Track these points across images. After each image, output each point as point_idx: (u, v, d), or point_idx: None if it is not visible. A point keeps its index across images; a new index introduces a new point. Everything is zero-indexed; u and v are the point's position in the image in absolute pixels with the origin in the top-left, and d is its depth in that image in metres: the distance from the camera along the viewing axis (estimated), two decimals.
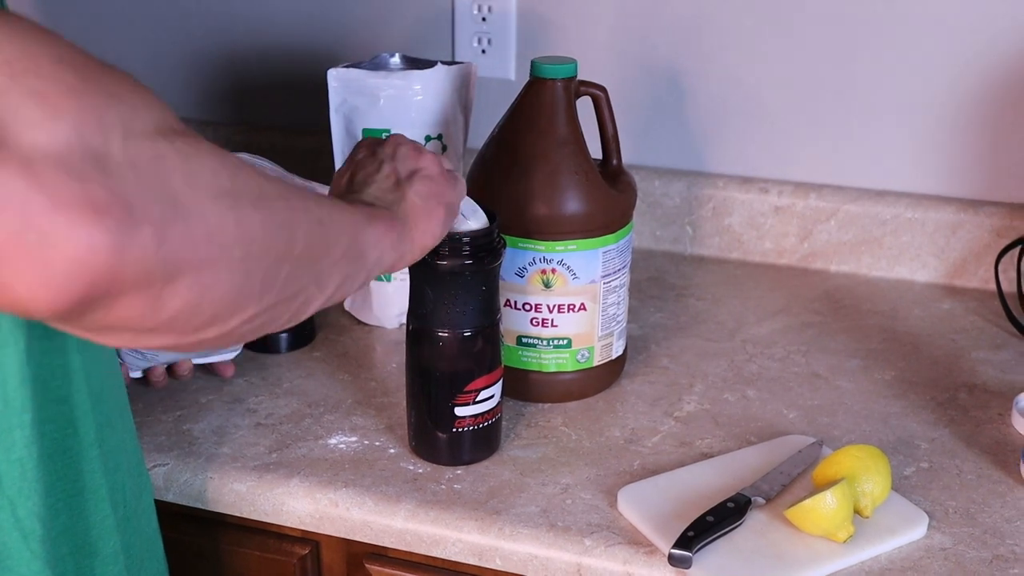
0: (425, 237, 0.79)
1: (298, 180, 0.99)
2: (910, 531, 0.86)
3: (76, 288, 0.49)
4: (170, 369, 1.05)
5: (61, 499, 0.71)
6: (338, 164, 1.18)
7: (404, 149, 0.84)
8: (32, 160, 0.47)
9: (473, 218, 0.90)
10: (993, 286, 1.29)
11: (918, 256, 1.34)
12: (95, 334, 0.55)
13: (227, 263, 0.55)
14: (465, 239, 0.89)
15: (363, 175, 0.82)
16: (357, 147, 0.87)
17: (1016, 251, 1.27)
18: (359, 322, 1.22)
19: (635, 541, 0.86)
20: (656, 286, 1.33)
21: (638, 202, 1.39)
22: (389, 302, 1.19)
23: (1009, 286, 1.28)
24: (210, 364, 1.08)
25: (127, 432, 0.79)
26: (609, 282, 1.03)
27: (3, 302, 0.49)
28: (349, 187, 0.81)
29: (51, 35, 0.50)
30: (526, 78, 1.02)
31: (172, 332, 0.56)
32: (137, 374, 1.04)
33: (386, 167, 0.82)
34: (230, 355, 1.08)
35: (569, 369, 1.04)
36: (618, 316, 1.06)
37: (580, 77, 1.03)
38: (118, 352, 0.99)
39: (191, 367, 1.06)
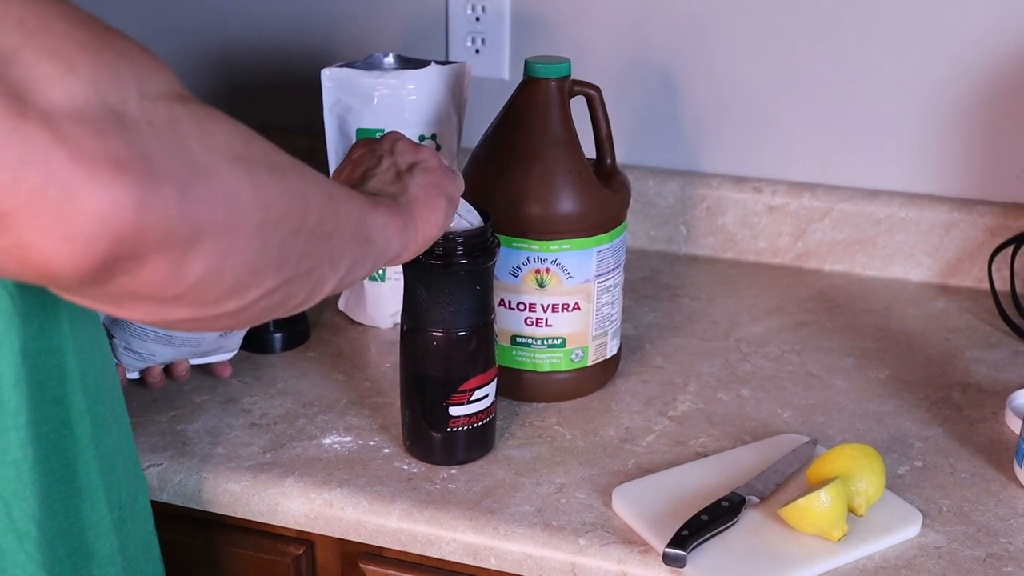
0: (429, 227, 0.79)
1: None
2: (904, 530, 0.86)
3: (100, 246, 0.48)
4: (167, 370, 1.05)
5: (57, 501, 0.70)
6: (332, 164, 1.17)
7: (402, 144, 0.84)
8: (51, 115, 0.47)
9: (469, 218, 0.90)
10: (987, 285, 1.29)
11: (912, 255, 1.35)
12: (118, 304, 0.54)
13: (246, 228, 0.55)
14: (459, 238, 0.89)
15: (362, 171, 0.82)
16: (354, 147, 0.87)
17: (1010, 250, 1.27)
18: (353, 322, 1.22)
19: (630, 540, 0.86)
20: (650, 286, 1.33)
21: (632, 202, 1.40)
22: (383, 302, 1.19)
23: (1003, 285, 1.28)
24: (207, 365, 1.08)
25: (123, 433, 0.79)
26: (603, 281, 1.03)
27: (29, 267, 0.49)
28: (348, 184, 0.81)
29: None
30: (520, 78, 1.02)
31: (194, 302, 0.56)
32: (134, 375, 1.04)
33: (385, 161, 0.82)
34: (227, 356, 1.08)
35: (563, 369, 1.04)
36: (612, 316, 1.06)
37: (574, 77, 1.03)
38: (114, 353, 0.99)
39: (188, 368, 1.05)
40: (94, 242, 0.48)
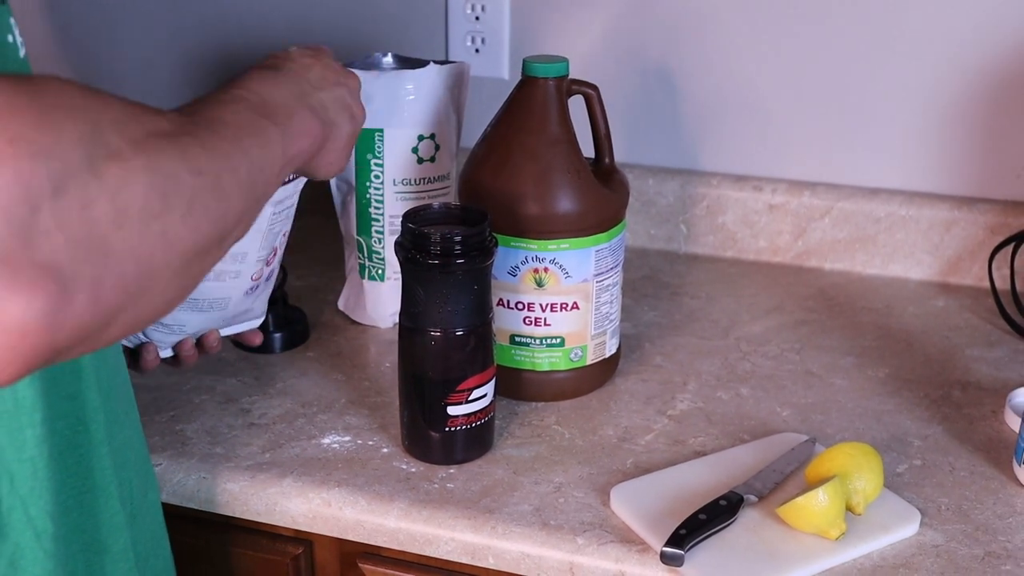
0: (328, 169, 0.81)
1: None
2: (902, 528, 0.86)
3: (15, 366, 0.49)
4: (199, 343, 1.02)
5: (72, 496, 0.71)
6: None
7: (349, 93, 0.84)
8: None
9: None
10: (987, 283, 1.29)
11: (912, 254, 1.34)
12: None
13: (159, 284, 0.55)
14: (457, 238, 0.89)
15: (320, 80, 0.81)
16: (319, 54, 0.85)
17: (1010, 248, 1.27)
18: (353, 322, 1.22)
19: (627, 539, 0.86)
20: (650, 285, 1.33)
21: (632, 201, 1.39)
22: (383, 302, 1.19)
23: (1003, 283, 1.27)
24: (237, 335, 1.06)
25: (134, 428, 0.80)
26: (602, 281, 1.03)
27: None
28: (302, 77, 0.79)
29: None
30: (519, 77, 1.02)
31: (119, 339, 0.57)
32: (167, 353, 1.01)
33: (346, 97, 0.82)
34: (257, 322, 1.06)
35: (562, 368, 1.04)
36: (611, 315, 1.06)
37: (574, 76, 1.03)
38: (144, 332, 0.98)
39: (219, 339, 1.03)
40: (9, 364, 0.49)
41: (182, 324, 0.99)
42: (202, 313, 0.98)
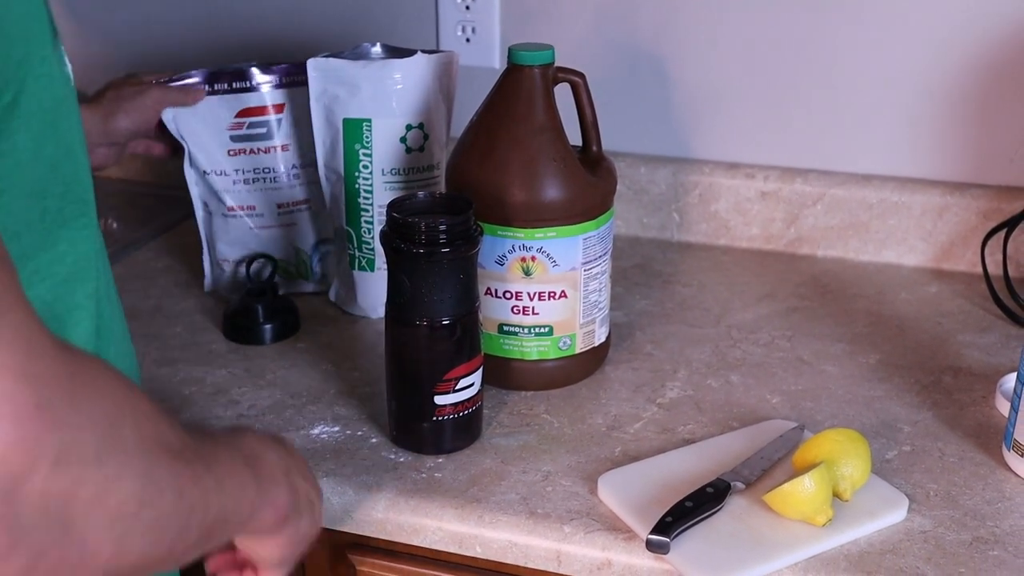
0: (270, 551, 0.75)
1: None
2: (890, 514, 0.86)
3: None
4: None
5: None
6: (320, 155, 1.17)
7: (317, 502, 0.79)
8: None
9: None
10: (980, 269, 1.28)
11: (905, 240, 1.34)
12: None
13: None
14: (441, 227, 0.89)
15: (305, 477, 0.77)
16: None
17: (1002, 234, 1.27)
18: (344, 312, 1.22)
19: (614, 527, 0.86)
20: (642, 273, 1.33)
21: (624, 189, 1.39)
22: (373, 292, 1.19)
23: (996, 269, 1.27)
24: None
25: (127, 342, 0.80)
26: (590, 269, 1.03)
27: None
28: (293, 460, 0.76)
29: (29, 343, 0.49)
30: None
31: None
32: None
33: (316, 503, 0.78)
34: None
35: (551, 357, 1.04)
36: (600, 303, 1.05)
37: (566, 64, 1.03)
38: None
39: None
40: None
41: None
42: None
